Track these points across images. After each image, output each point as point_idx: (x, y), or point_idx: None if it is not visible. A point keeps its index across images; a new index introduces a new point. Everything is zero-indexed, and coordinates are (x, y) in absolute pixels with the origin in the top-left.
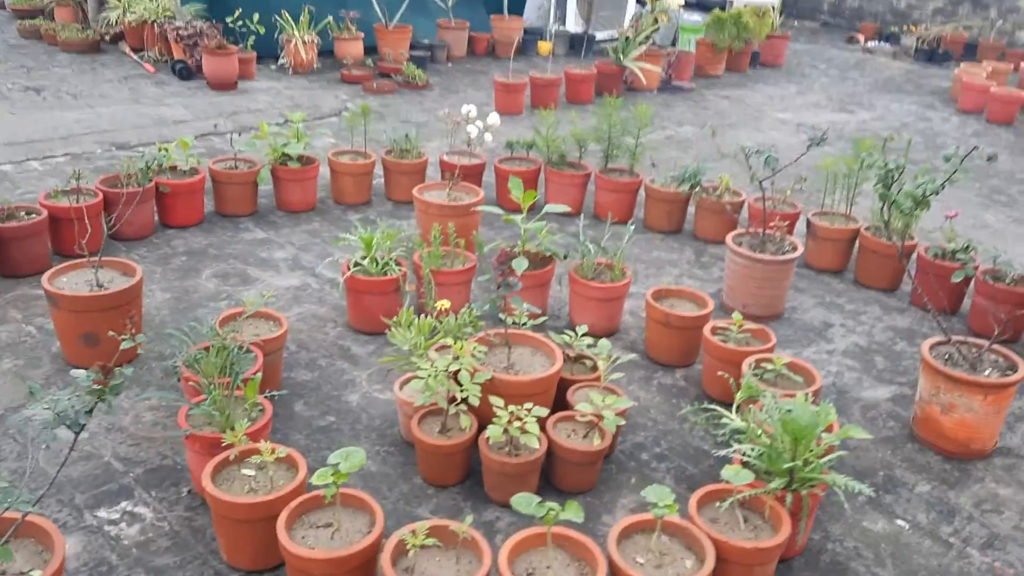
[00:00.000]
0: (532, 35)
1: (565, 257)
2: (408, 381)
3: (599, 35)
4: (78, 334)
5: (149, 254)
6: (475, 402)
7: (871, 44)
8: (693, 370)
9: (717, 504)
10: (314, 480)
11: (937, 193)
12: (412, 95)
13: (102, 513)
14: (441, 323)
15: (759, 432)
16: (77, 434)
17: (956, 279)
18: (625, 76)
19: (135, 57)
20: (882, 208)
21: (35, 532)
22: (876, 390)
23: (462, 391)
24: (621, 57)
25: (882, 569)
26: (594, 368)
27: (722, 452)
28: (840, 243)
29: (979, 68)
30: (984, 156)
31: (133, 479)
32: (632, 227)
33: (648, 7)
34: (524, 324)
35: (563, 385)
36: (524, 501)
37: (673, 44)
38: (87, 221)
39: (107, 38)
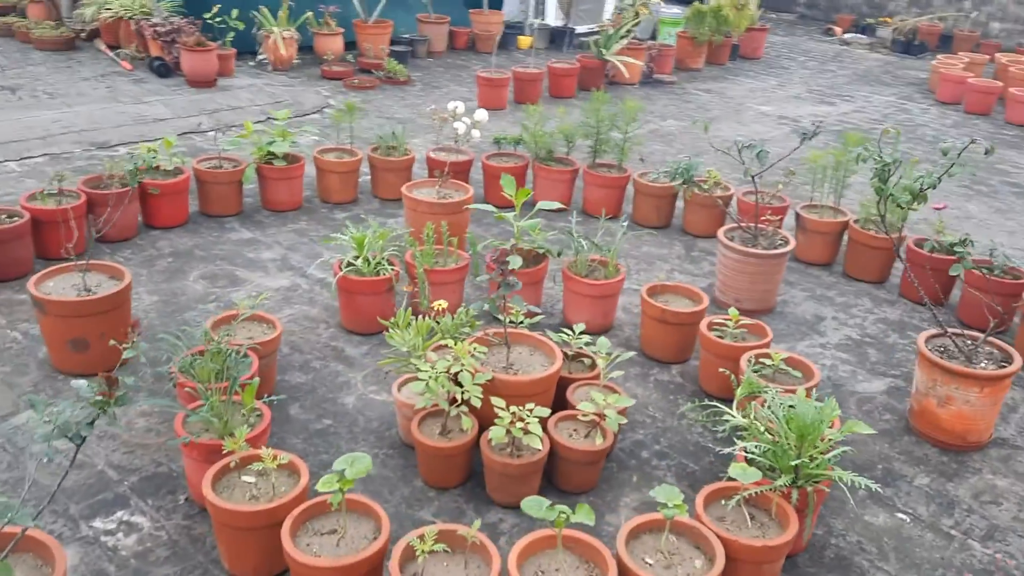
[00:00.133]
0: (512, 29)
1: (559, 254)
2: (406, 383)
3: (579, 29)
4: (66, 340)
5: (134, 256)
6: (477, 404)
7: (848, 36)
8: (689, 366)
9: (723, 502)
10: (319, 487)
11: (935, 187)
12: (394, 91)
13: (98, 523)
14: (439, 323)
15: (762, 429)
16: (79, 446)
17: (954, 272)
18: (607, 70)
19: (111, 54)
20: (879, 202)
21: (34, 546)
22: (871, 383)
23: (463, 392)
24: (603, 51)
25: (886, 563)
26: (592, 366)
27: (727, 450)
28: (829, 236)
29: (956, 59)
30: (982, 149)
31: (128, 488)
32: (625, 223)
33: (629, 0)
34: (521, 323)
35: (562, 384)
36: (534, 505)
37: (653, 38)
38: (72, 224)
39: (82, 35)
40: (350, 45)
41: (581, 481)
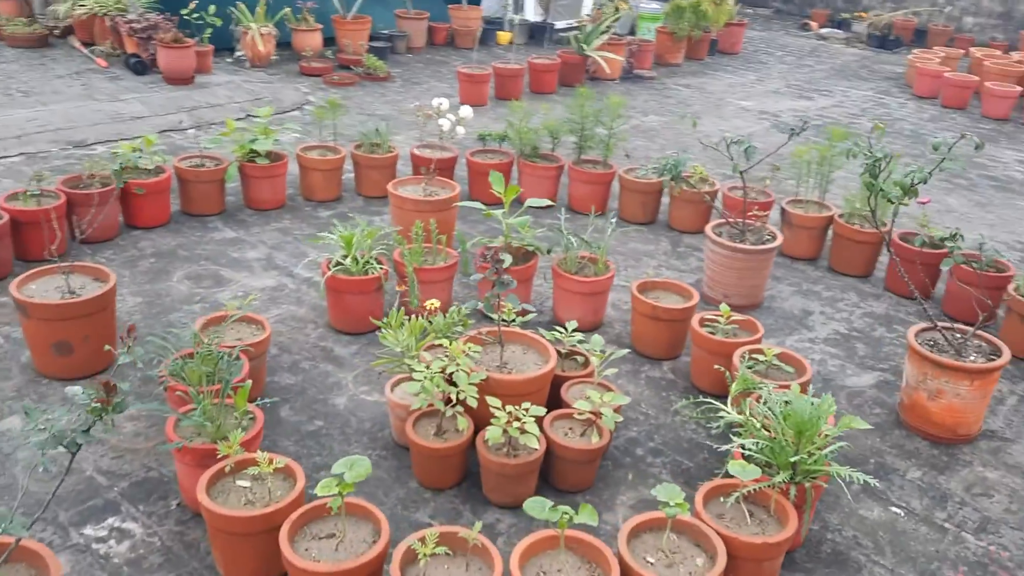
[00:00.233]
0: (491, 25)
1: (549, 252)
2: (399, 383)
3: (558, 24)
4: (50, 343)
5: (116, 257)
6: (473, 403)
7: (824, 31)
8: (680, 362)
9: (722, 499)
10: (319, 491)
11: (925, 181)
12: (374, 87)
13: (89, 531)
14: (431, 323)
15: (758, 425)
16: (74, 454)
17: (945, 267)
18: (588, 66)
19: (86, 51)
20: (869, 197)
21: (27, 556)
22: (860, 377)
23: (458, 392)
24: (584, 47)
25: (882, 557)
26: (585, 364)
27: (724, 447)
28: (814, 231)
29: (932, 54)
30: (973, 145)
31: (118, 493)
32: (614, 220)
33: None
34: (513, 321)
35: (555, 382)
36: (537, 506)
37: (632, 33)
38: (55, 224)
39: (55, 32)
40: (329, 41)
41: (577, 480)
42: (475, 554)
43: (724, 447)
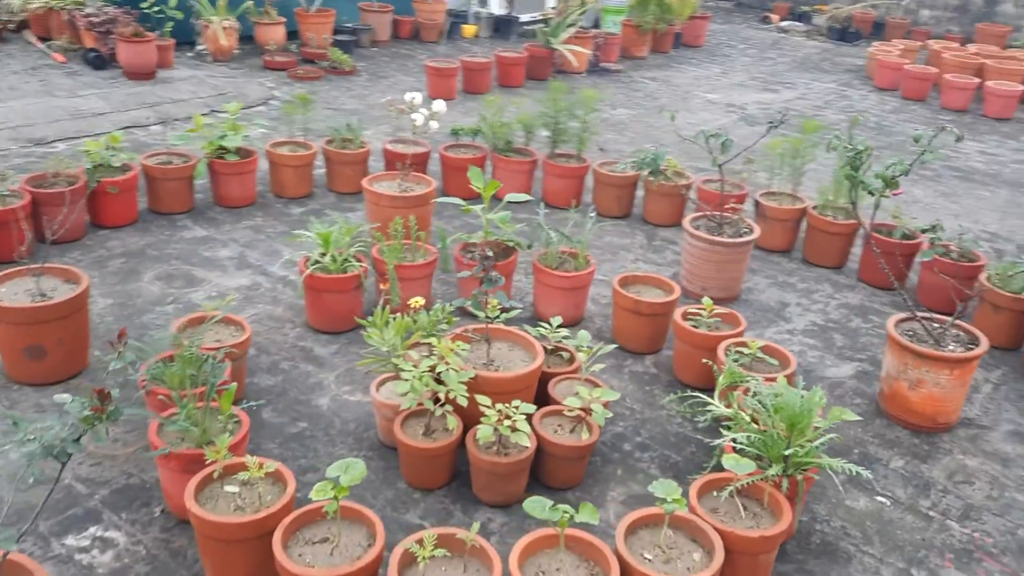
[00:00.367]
0: (456, 18)
1: (529, 247)
2: (384, 383)
3: (523, 17)
4: (21, 348)
5: (83, 257)
6: (464, 402)
7: (785, 23)
8: (662, 356)
9: (715, 493)
10: (313, 495)
11: (906, 173)
12: (340, 81)
13: (70, 541)
14: (415, 321)
15: (748, 419)
16: (64, 464)
17: (926, 258)
18: (555, 59)
19: (42, 46)
20: (851, 189)
21: (12, 569)
22: (839, 368)
23: (448, 391)
24: (551, 40)
25: (871, 547)
26: (571, 360)
27: (716, 441)
28: (788, 223)
29: (891, 46)
30: (952, 137)
31: (99, 501)
32: (593, 214)
33: None
34: (496, 318)
35: (542, 379)
36: (537, 506)
37: (596, 26)
38: (24, 225)
39: (10, 27)
40: (292, 35)
41: (567, 477)
42: (473, 555)
43: (712, 441)
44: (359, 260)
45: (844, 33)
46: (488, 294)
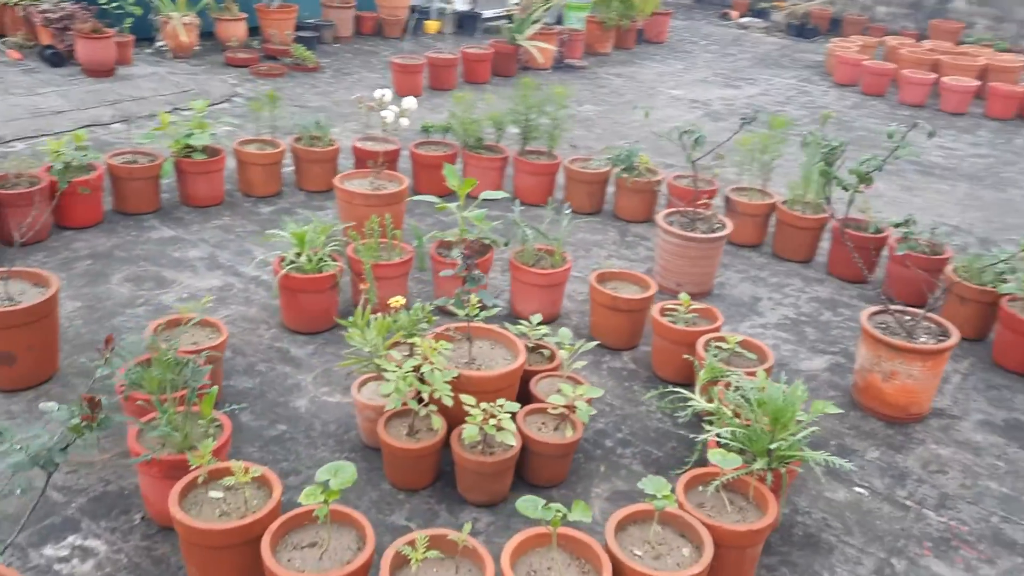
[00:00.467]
0: (419, 14)
1: (506, 244)
2: (365, 383)
3: (487, 13)
4: None
5: (49, 259)
6: (449, 402)
7: (744, 20)
8: (639, 352)
9: (701, 488)
10: (303, 499)
11: (880, 169)
12: (304, 78)
13: (49, 551)
14: (396, 321)
15: (730, 413)
16: (51, 474)
17: (900, 251)
18: (520, 55)
19: None
20: (825, 185)
21: None
22: (812, 361)
23: (432, 391)
24: (516, 36)
25: (851, 537)
26: (551, 357)
27: (695, 436)
28: (758, 218)
29: (850, 43)
30: (923, 132)
31: (77, 509)
32: (568, 211)
33: None
34: (476, 316)
35: (523, 377)
36: (530, 506)
37: (559, 23)
38: None
39: None
40: (254, 31)
41: (552, 475)
42: (465, 556)
43: (694, 436)
44: (334, 259)
45: (802, 29)
46: (470, 292)
